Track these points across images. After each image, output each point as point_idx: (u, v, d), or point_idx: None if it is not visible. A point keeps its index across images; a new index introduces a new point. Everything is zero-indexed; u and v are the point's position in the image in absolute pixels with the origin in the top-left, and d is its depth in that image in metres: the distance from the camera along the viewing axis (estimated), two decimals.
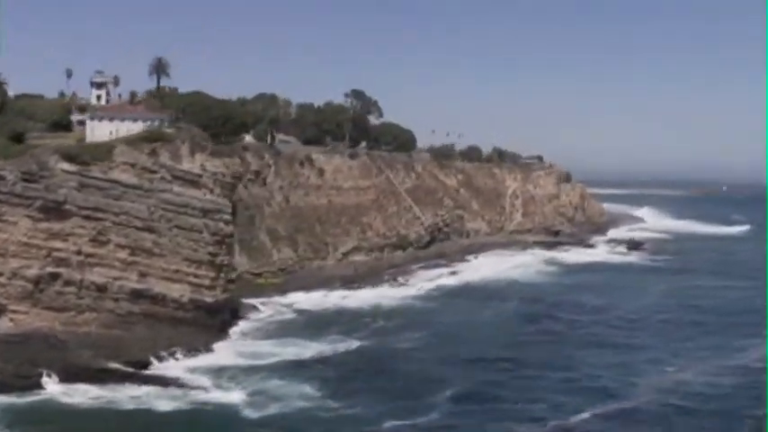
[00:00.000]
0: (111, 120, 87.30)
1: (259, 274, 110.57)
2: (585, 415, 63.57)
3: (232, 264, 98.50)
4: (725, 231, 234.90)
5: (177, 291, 78.88)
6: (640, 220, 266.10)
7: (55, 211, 74.68)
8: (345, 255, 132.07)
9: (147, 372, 69.28)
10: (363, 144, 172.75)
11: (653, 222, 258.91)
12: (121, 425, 57.92)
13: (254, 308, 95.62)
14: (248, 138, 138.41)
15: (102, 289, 75.64)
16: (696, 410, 65.64)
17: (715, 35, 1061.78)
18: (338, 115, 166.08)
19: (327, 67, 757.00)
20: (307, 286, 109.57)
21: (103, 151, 78.78)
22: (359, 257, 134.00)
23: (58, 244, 74.77)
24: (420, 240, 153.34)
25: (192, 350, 75.07)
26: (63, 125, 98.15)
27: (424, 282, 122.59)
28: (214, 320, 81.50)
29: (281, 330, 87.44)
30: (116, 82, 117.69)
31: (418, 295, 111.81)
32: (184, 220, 79.81)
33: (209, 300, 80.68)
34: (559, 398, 68.00)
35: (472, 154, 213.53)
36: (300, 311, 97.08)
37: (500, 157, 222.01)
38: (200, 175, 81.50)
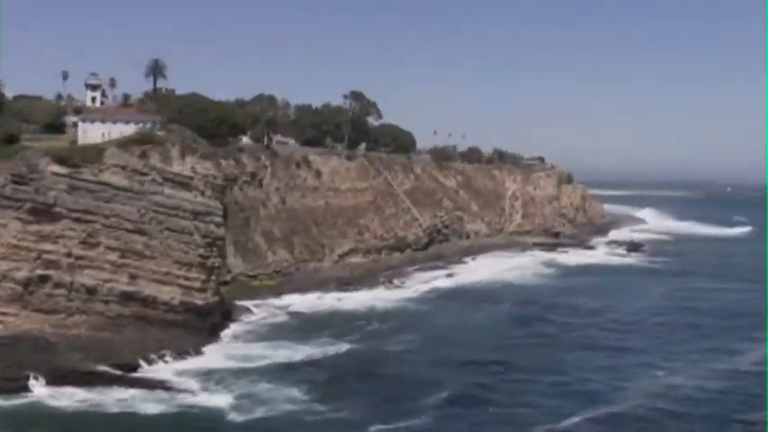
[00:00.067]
0: (103, 122, 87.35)
1: (254, 276, 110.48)
2: (575, 419, 63.30)
3: (224, 266, 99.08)
4: (726, 233, 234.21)
5: (167, 293, 78.82)
6: (641, 221, 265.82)
7: (45, 213, 74.67)
8: (342, 257, 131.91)
9: (136, 374, 69.18)
10: (363, 145, 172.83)
11: (654, 224, 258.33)
12: (106, 428, 57.89)
13: (248, 310, 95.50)
14: (245, 139, 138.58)
15: (91, 291, 75.58)
16: (685, 414, 65.33)
17: (715, 35, 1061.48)
18: (337, 117, 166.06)
19: (327, 68, 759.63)
20: (302, 288, 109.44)
21: (94, 153, 78.77)
22: (355, 259, 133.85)
23: (47, 246, 74.72)
24: (418, 242, 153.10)
25: (181, 353, 74.95)
26: (57, 127, 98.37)
27: (420, 284, 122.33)
28: (204, 323, 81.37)
29: (273, 333, 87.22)
30: (112, 84, 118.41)
31: (413, 297, 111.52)
32: (175, 223, 79.75)
33: (199, 302, 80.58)
34: (549, 402, 67.80)
35: (472, 155, 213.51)
36: (294, 314, 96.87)
37: (500, 158, 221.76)
38: (191, 178, 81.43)
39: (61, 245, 75.26)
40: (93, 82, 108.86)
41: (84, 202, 76.30)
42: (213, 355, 76.72)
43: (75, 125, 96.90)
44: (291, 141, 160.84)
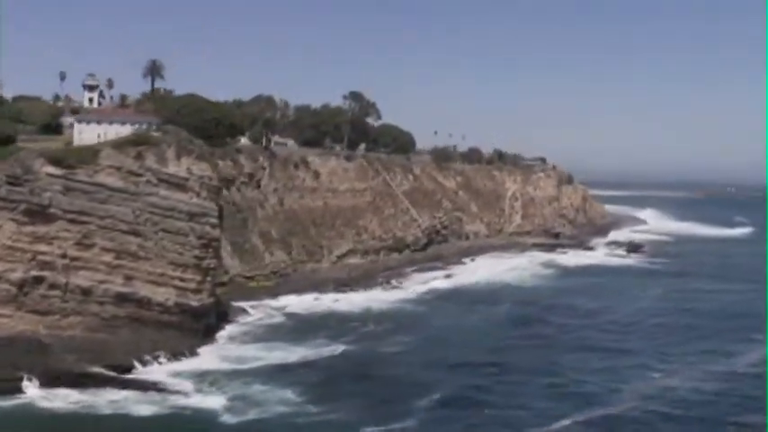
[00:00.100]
0: (98, 123, 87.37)
1: (251, 277, 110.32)
2: (569, 421, 63.12)
3: (220, 267, 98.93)
4: (727, 234, 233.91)
5: (162, 294, 78.73)
6: (642, 221, 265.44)
7: (40, 214, 74.54)
8: (340, 257, 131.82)
9: (130, 376, 69.09)
10: (362, 146, 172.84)
11: (655, 224, 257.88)
12: (97, 430, 57.84)
13: (244, 311, 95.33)
14: (244, 140, 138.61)
15: (86, 292, 75.50)
16: (679, 417, 65.22)
17: (715, 35, 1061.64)
18: (336, 117, 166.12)
19: (327, 68, 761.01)
20: (299, 289, 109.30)
21: (89, 155, 78.66)
22: (354, 260, 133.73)
23: (42, 247, 74.63)
24: (417, 243, 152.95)
25: (176, 354, 74.83)
26: (54, 128, 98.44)
27: (418, 285, 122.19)
28: (199, 324, 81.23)
29: (269, 334, 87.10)
30: (110, 84, 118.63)
31: (409, 298, 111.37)
32: (170, 224, 79.65)
33: (194, 303, 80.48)
34: (543, 404, 67.65)
35: (473, 156, 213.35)
36: (290, 315, 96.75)
37: (500, 158, 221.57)
38: (187, 179, 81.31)
39: (56, 246, 75.17)
40: (90, 83, 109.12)
41: (79, 204, 76.21)
42: (208, 357, 76.62)
43: (71, 126, 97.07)
44: (290, 142, 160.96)
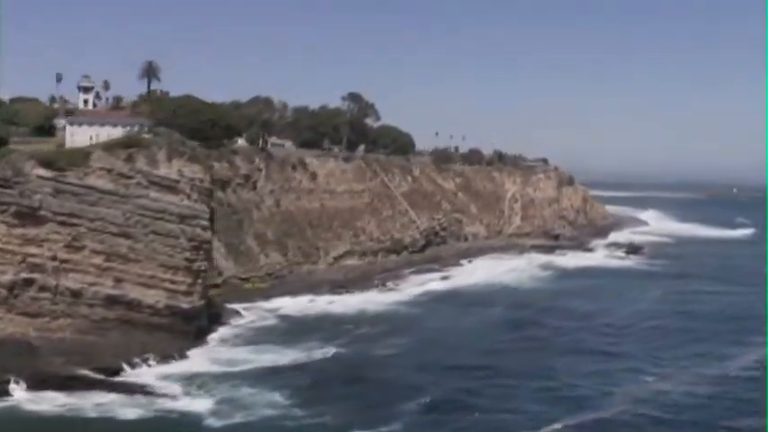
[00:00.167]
0: (90, 125, 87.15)
1: (246, 279, 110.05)
2: (557, 426, 62.50)
3: (213, 269, 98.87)
4: (728, 235, 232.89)
5: (152, 297, 78.48)
6: (644, 223, 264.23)
7: (30, 216, 74.44)
8: (337, 259, 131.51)
9: (118, 379, 68.78)
10: (362, 147, 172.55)
11: (656, 225, 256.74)
12: None
13: (237, 313, 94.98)
14: (241, 141, 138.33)
15: (76, 295, 75.34)
16: (670, 421, 64.75)
17: (715, 35, 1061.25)
18: (334, 119, 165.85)
19: (327, 68, 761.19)
20: (294, 291, 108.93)
21: (80, 157, 78.47)
22: (351, 262, 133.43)
23: (32, 250, 74.51)
24: (415, 244, 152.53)
25: (165, 357, 74.55)
26: (47, 130, 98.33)
27: (414, 287, 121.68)
28: (190, 326, 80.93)
29: (261, 336, 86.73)
30: (106, 86, 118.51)
31: (405, 301, 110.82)
32: (161, 226, 79.39)
33: (185, 306, 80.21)
34: (534, 407, 67.17)
35: (473, 157, 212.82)
36: (283, 317, 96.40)
37: (500, 159, 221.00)
38: (178, 181, 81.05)
39: (46, 248, 75.04)
40: (85, 84, 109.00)
41: (69, 206, 76.05)
42: (198, 359, 76.30)
43: (65, 128, 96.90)
44: (289, 143, 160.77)
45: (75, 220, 76.15)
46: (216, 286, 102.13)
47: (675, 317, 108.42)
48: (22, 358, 68.65)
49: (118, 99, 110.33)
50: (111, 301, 76.84)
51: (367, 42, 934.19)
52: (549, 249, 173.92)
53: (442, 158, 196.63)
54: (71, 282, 75.48)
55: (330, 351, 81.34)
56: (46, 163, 76.20)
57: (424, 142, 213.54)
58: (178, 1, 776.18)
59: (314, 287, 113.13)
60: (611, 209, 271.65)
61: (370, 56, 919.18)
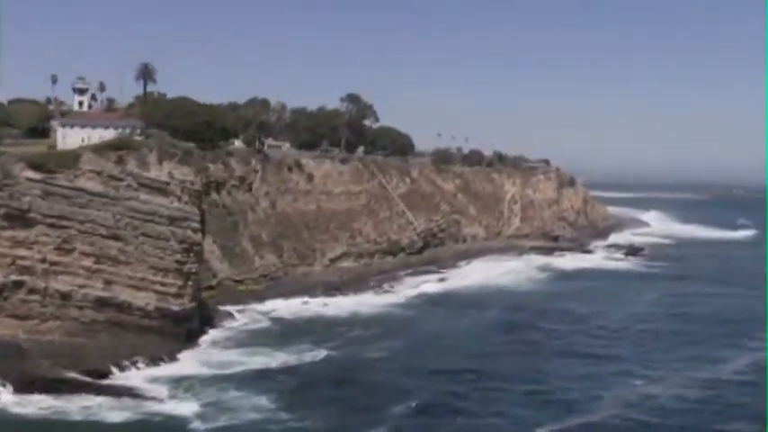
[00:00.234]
0: (82, 127, 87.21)
1: (240, 281, 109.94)
2: (543, 430, 62.48)
3: (207, 271, 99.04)
4: (729, 236, 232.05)
5: (143, 299, 78.53)
6: (645, 224, 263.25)
7: (19, 219, 74.61)
8: (333, 261, 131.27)
9: (106, 381, 68.82)
10: (361, 149, 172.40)
11: (657, 227, 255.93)
12: None
13: (230, 315, 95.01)
14: (237, 143, 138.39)
15: (66, 297, 75.42)
16: (657, 425, 64.57)
17: (715, 35, 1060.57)
18: (332, 120, 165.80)
19: (327, 68, 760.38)
20: (288, 293, 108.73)
21: (70, 159, 78.59)
22: (347, 263, 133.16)
23: (22, 252, 74.66)
24: (412, 246, 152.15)
25: (155, 359, 74.61)
26: (40, 132, 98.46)
27: (409, 288, 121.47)
28: (180, 329, 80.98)
29: (253, 339, 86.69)
30: (102, 88, 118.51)
31: (399, 303, 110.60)
32: (150, 228, 79.44)
33: (175, 308, 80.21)
34: (521, 411, 67.00)
35: (473, 158, 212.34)
36: (276, 319, 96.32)
37: (500, 160, 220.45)
38: (168, 183, 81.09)
39: (36, 250, 75.17)
40: (80, 86, 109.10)
41: (58, 208, 76.17)
42: (187, 362, 76.28)
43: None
44: (287, 145, 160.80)
45: (64, 223, 76.28)
46: (210, 288, 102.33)
47: (671, 319, 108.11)
48: (10, 361, 68.70)
49: (111, 101, 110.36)
50: (101, 303, 76.92)
51: (367, 43, 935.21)
52: (548, 251, 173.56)
53: (442, 159, 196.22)
54: (60, 284, 75.57)
55: (320, 354, 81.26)
56: (35, 165, 76.29)
57: (425, 143, 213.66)
58: (178, 1, 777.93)
59: (309, 289, 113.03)
60: (612, 210, 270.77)
61: (370, 56, 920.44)
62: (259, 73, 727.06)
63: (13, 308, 73.81)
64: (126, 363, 72.89)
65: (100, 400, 63.82)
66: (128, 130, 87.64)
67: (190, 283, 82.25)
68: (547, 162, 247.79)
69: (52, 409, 61.66)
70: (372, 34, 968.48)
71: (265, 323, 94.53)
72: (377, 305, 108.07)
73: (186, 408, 63.01)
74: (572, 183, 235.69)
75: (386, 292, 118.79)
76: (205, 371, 73.74)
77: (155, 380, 70.27)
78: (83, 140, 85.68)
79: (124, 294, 77.98)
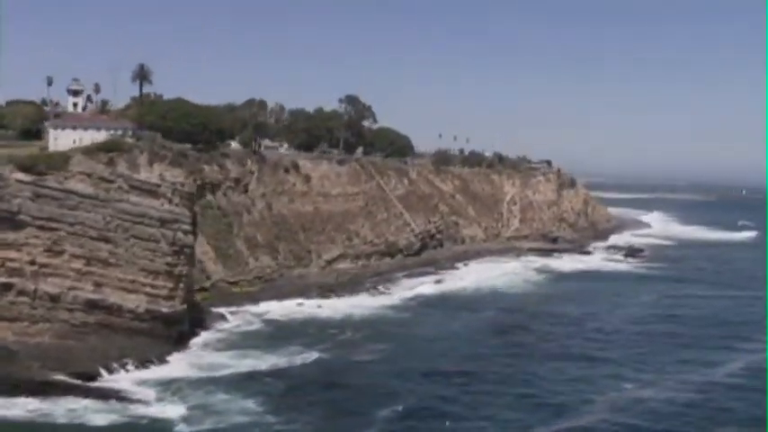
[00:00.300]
0: (74, 129, 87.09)
1: (235, 283, 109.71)
2: None
3: (199, 273, 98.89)
4: (730, 238, 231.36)
5: (133, 301, 78.37)
6: (646, 225, 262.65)
7: (9, 221, 74.47)
8: (329, 262, 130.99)
9: (94, 384, 68.56)
10: (360, 150, 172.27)
11: (659, 228, 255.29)
12: None
13: (222, 317, 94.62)
14: (234, 144, 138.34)
15: (55, 299, 75.22)
16: (646, 429, 64.37)
17: (715, 35, 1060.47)
18: (330, 121, 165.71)
19: (327, 69, 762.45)
20: (282, 295, 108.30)
21: (60, 161, 78.48)
22: (343, 265, 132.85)
23: (11, 254, 74.52)
24: (410, 247, 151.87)
25: (144, 362, 74.36)
26: (34, 133, 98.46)
27: (405, 290, 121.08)
28: (171, 331, 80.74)
29: (244, 341, 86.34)
30: (97, 89, 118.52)
31: (393, 305, 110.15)
32: (141, 230, 79.30)
33: (165, 310, 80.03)
34: (510, 415, 66.75)
35: (473, 159, 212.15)
36: (269, 321, 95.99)
37: (500, 161, 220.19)
38: (159, 185, 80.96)
39: (25, 252, 75.04)
40: (75, 87, 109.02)
41: (48, 210, 76.04)
42: (177, 365, 76.02)
43: None
44: (285, 146, 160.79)
45: (54, 225, 76.14)
46: (204, 290, 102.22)
47: (666, 322, 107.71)
48: None
49: (104, 102, 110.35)
50: (91, 305, 76.73)
51: (367, 43, 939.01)
52: (547, 252, 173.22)
53: (442, 161, 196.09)
54: (50, 286, 75.41)
55: (311, 356, 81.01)
56: (25, 167, 76.18)
57: (427, 144, 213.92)
58: (177, 2, 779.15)
59: (304, 291, 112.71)
60: (613, 211, 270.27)
61: (370, 57, 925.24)
62: (257, 74, 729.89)
63: (3, 310, 73.54)
64: (115, 365, 72.67)
65: (86, 402, 63.61)
66: (119, 132, 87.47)
67: (180, 285, 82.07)
68: (549, 163, 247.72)
69: (38, 411, 61.44)
70: (372, 34, 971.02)
71: (258, 325, 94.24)
72: (371, 307, 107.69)
73: (173, 411, 62.85)
74: (572, 184, 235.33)
75: (381, 293, 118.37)
76: (194, 373, 73.54)
77: (143, 382, 70.06)
78: (74, 142, 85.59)
79: (114, 296, 77.82)
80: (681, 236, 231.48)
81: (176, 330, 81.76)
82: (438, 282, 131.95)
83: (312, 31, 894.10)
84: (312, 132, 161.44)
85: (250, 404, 65.35)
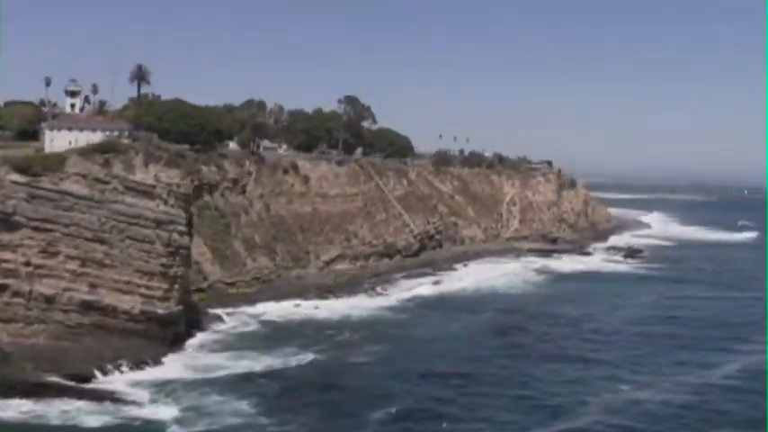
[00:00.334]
0: (70, 130, 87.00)
1: (232, 284, 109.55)
2: None
3: (196, 274, 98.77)
4: (731, 238, 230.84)
5: (128, 302, 78.23)
6: (647, 225, 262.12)
7: (4, 222, 74.37)
8: (328, 263, 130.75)
9: (88, 385, 68.42)
10: (359, 150, 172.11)
11: (659, 228, 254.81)
12: None
13: (219, 318, 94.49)
14: (232, 145, 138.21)
15: (50, 300, 75.08)
16: (641, 431, 63.95)
17: (715, 35, 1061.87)
18: (329, 122, 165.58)
19: (327, 70, 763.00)
20: (279, 296, 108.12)
21: (55, 162, 78.43)
22: (342, 266, 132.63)
23: (6, 255, 74.37)
24: (409, 248, 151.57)
25: (138, 363, 74.18)
26: (31, 134, 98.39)
27: (403, 291, 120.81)
28: (166, 332, 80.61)
29: (240, 342, 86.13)
30: (95, 90, 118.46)
31: (391, 306, 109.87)
32: (136, 231, 79.18)
33: (161, 311, 79.88)
34: (504, 416, 66.52)
35: (473, 160, 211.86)
36: (265, 322, 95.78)
37: (500, 162, 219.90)
38: (154, 186, 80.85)
39: (20, 254, 74.91)
40: (72, 88, 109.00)
41: (43, 211, 75.95)
42: (172, 366, 75.84)
43: None
44: (284, 147, 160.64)
45: (49, 226, 76.04)
46: (201, 291, 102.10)
47: (664, 323, 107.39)
48: None
49: (102, 103, 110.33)
50: (86, 306, 76.61)
51: (367, 43, 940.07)
52: (546, 253, 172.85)
53: (442, 161, 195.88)
54: (45, 287, 75.27)
55: (307, 357, 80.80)
56: (20, 168, 76.11)
57: (427, 145, 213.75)
58: (177, 2, 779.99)
59: (301, 292, 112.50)
60: (614, 211, 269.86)
61: (370, 57, 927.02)
62: (257, 74, 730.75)
63: None
64: (109, 366, 72.53)
65: (80, 404, 63.46)
66: (115, 134, 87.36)
67: (176, 286, 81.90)
68: (550, 164, 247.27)
69: (31, 413, 61.29)
70: (372, 34, 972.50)
71: (254, 326, 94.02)
72: (369, 308, 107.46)
73: (166, 412, 62.68)
74: (573, 184, 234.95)
75: (379, 294, 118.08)
76: (189, 375, 73.35)
77: (137, 384, 69.91)
78: (70, 143, 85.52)
79: (109, 298, 77.69)
80: (681, 236, 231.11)
81: (171, 331, 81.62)
82: (436, 283, 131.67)
83: (311, 31, 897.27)
84: (311, 133, 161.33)
85: (244, 406, 65.15)
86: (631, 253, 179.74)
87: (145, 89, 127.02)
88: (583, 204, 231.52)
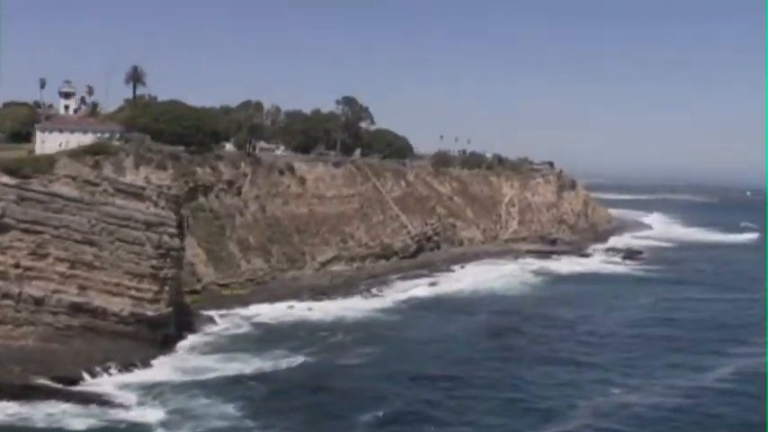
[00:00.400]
0: (61, 131, 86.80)
1: (226, 285, 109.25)
2: None
3: (189, 276, 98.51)
4: (732, 239, 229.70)
5: (117, 304, 77.97)
6: (647, 226, 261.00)
7: None
8: (324, 265, 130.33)
9: (76, 388, 68.13)
10: (358, 151, 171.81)
11: (659, 229, 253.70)
12: None
13: (211, 320, 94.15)
14: (228, 146, 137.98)
15: (40, 302, 74.87)
16: None
17: (715, 35, 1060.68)
18: (326, 123, 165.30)
19: (325, 70, 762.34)
20: (273, 298, 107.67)
21: (45, 164, 78.29)
22: (338, 267, 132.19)
23: None
24: (406, 250, 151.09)
25: (127, 365, 73.86)
26: (23, 136, 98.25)
27: (398, 293, 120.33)
28: (156, 334, 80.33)
29: (231, 344, 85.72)
30: (90, 91, 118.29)
31: (386, 308, 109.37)
32: (126, 233, 78.93)
33: (150, 313, 79.59)
34: (493, 420, 66.03)
35: (473, 161, 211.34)
36: (258, 324, 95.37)
37: (500, 163, 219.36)
38: (144, 188, 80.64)
39: (9, 256, 74.76)
40: (66, 90, 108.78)
41: (33, 213, 75.78)
42: (161, 368, 75.47)
43: None
44: (281, 148, 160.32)
45: (39, 228, 75.88)
46: (194, 292, 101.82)
47: (661, 325, 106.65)
48: None
49: (95, 105, 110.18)
50: (76, 308, 76.41)
51: (366, 43, 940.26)
52: (545, 254, 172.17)
53: (442, 162, 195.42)
54: (34, 289, 75.08)
55: (297, 360, 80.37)
56: (10, 170, 75.95)
57: (428, 145, 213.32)
58: (176, 3, 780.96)
59: (296, 293, 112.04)
60: (614, 212, 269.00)
61: (369, 57, 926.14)
62: (256, 75, 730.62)
63: None
64: (98, 369, 72.19)
65: (66, 406, 63.06)
66: (107, 135, 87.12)
67: (166, 288, 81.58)
68: (551, 164, 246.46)
69: (17, 416, 60.99)
70: (372, 34, 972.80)
71: (246, 328, 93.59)
72: (363, 310, 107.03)
73: (152, 415, 62.38)
74: (573, 185, 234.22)
75: (374, 296, 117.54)
76: (177, 377, 72.97)
77: (125, 386, 69.59)
78: (60, 145, 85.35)
79: (99, 300, 77.47)
80: (681, 237, 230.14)
81: (161, 334, 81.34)
82: (432, 284, 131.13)
83: (311, 31, 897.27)
84: (309, 134, 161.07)
85: (230, 409, 64.77)
86: (631, 254, 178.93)
87: (141, 90, 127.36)
88: (583, 205, 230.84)
